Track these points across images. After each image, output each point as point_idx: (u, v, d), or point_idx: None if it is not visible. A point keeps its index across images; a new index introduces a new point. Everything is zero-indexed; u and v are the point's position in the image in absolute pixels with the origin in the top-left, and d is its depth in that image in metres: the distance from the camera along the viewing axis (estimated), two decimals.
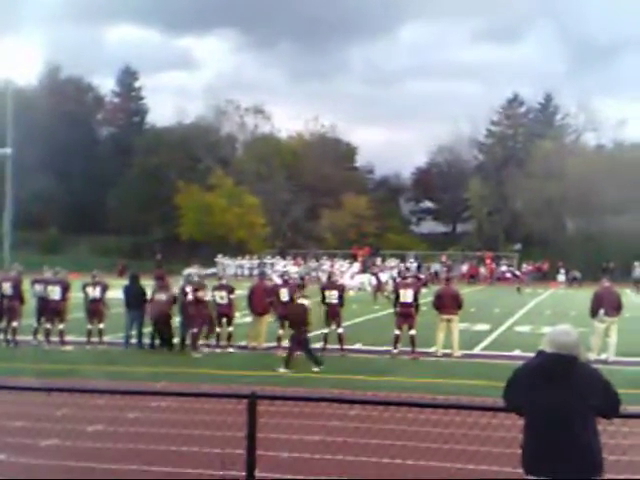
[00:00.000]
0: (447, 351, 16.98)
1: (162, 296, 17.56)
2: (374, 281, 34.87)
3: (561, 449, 4.71)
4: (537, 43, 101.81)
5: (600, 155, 64.17)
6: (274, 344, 17.52)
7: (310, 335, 16.49)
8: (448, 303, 17.34)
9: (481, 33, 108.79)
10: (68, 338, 18.01)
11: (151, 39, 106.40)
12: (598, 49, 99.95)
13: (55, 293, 17.95)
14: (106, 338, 18.38)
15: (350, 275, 42.48)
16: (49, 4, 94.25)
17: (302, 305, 15.28)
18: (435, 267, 53.05)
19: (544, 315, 27.10)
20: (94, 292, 18.33)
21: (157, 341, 17.86)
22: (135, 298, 18.23)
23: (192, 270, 21.20)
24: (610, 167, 56.89)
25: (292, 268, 44.41)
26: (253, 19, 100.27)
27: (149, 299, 18.06)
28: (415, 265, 50.43)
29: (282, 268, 41.86)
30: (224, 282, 18.76)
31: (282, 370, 14.63)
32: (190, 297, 17.42)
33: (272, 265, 52.83)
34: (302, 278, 18.96)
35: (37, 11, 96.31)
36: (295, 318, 15.23)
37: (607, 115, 67.28)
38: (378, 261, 47.59)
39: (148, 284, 19.48)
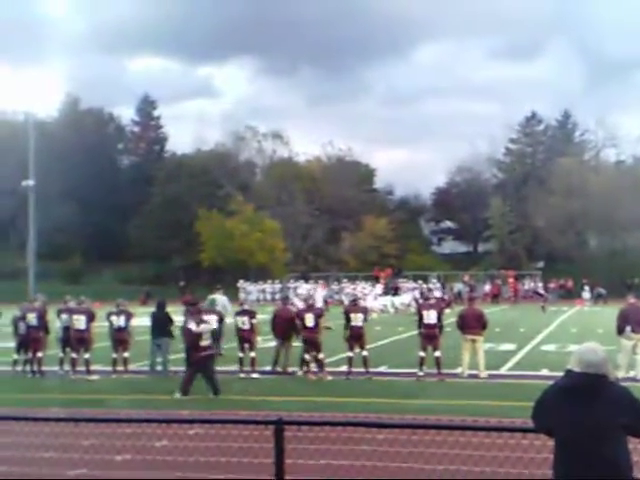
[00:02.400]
0: (473, 372, 16.84)
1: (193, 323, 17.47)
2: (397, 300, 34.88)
3: (592, 469, 4.64)
4: (554, 60, 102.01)
5: (620, 171, 63.87)
6: (298, 369, 17.48)
7: (335, 358, 16.51)
8: (472, 323, 17.22)
9: (498, 51, 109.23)
10: (94, 367, 18.05)
11: (172, 69, 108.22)
12: (615, 65, 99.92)
13: (80, 322, 18.01)
14: (131, 366, 18.44)
15: (373, 297, 42.36)
16: (70, 36, 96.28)
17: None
18: (458, 287, 52.76)
19: (570, 333, 26.84)
20: (119, 321, 18.40)
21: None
22: (161, 325, 18.26)
23: (216, 296, 21.16)
24: (631, 183, 56.56)
25: (320, 292, 44.24)
26: (271, 46, 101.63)
27: (183, 326, 18.08)
28: (438, 286, 50.22)
29: (305, 292, 41.81)
30: (246, 307, 18.77)
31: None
32: (247, 326, 17.60)
33: (295, 289, 52.86)
34: (326, 302, 18.93)
35: (58, 43, 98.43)
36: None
37: (626, 131, 67.14)
38: (400, 282, 47.52)
39: (172, 311, 19.51)
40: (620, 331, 16.38)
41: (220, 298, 21.72)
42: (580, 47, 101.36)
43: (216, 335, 17.92)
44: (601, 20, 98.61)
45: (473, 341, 17.08)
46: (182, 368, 17.78)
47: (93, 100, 77.24)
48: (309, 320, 17.36)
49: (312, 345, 17.20)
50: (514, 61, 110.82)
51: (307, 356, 17.32)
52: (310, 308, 18.13)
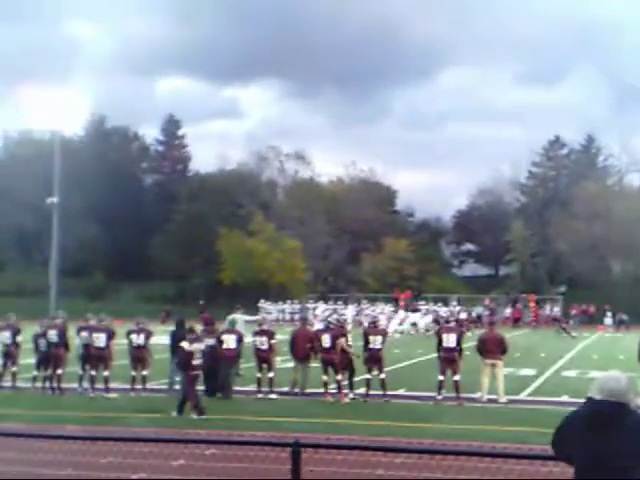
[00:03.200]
0: (492, 397, 16.71)
1: (210, 341, 17.47)
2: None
3: None
4: (578, 85, 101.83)
5: None
6: (317, 390, 17.43)
7: (354, 380, 16.45)
8: (492, 348, 17.11)
9: (522, 76, 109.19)
10: (113, 385, 18.11)
11: (197, 89, 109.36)
12: (638, 90, 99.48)
13: (100, 340, 18.08)
14: (150, 385, 18.47)
15: (399, 321, 42.09)
16: (98, 56, 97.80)
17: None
18: (478, 310, 52.45)
19: (591, 359, 26.57)
20: (138, 339, 18.47)
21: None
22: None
23: (236, 315, 21.16)
24: None
25: (346, 312, 44.05)
26: (295, 68, 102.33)
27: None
28: (457, 309, 49.93)
29: (321, 313, 41.77)
30: (265, 327, 18.77)
31: (194, 416, 14.55)
32: (265, 346, 17.66)
33: (314, 310, 52.82)
34: (342, 324, 18.81)
35: (86, 63, 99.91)
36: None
37: None
38: (420, 304, 47.37)
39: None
40: None
41: (240, 318, 21.73)
42: (604, 72, 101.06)
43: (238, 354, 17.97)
44: (625, 45, 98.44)
45: (493, 365, 16.97)
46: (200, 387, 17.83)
47: (119, 119, 78.25)
48: (326, 341, 17.33)
49: (330, 366, 17.16)
50: (538, 86, 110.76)
51: (325, 377, 17.27)
52: (327, 329, 18.08)
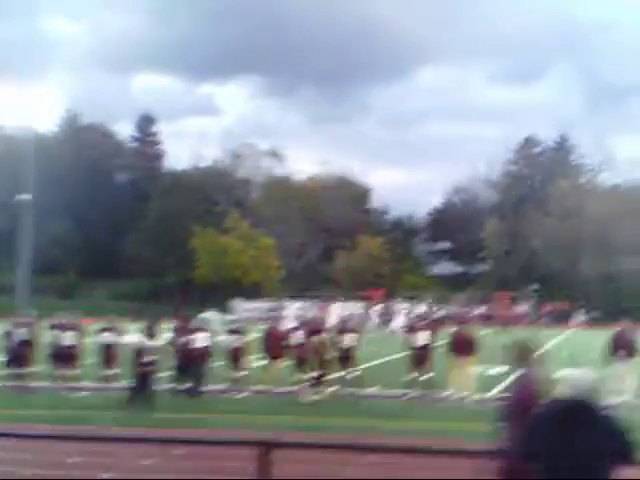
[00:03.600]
0: (463, 395, 16.78)
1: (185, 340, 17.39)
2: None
3: None
4: (554, 84, 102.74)
5: (616, 194, 64.03)
6: (289, 388, 17.42)
7: (327, 378, 16.48)
8: (464, 346, 17.19)
9: (499, 75, 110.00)
10: (83, 384, 17.96)
11: (174, 87, 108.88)
12: (613, 90, 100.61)
13: (69, 338, 17.94)
14: (121, 383, 18.32)
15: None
16: (73, 53, 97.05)
17: None
18: (451, 308, 52.59)
19: (562, 357, 26.75)
20: (109, 337, 18.33)
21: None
22: None
23: (207, 315, 21.10)
24: (627, 206, 56.73)
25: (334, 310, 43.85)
26: (272, 66, 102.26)
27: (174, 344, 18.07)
28: (430, 307, 49.97)
29: (295, 311, 41.68)
30: (237, 326, 18.74)
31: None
32: (237, 344, 17.73)
33: (287, 308, 52.84)
34: (317, 322, 18.78)
35: (61, 60, 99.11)
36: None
37: (622, 155, 67.50)
38: (393, 302, 47.46)
39: (166, 328, 19.44)
40: (612, 355, 16.35)
41: (212, 316, 21.67)
42: (580, 71, 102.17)
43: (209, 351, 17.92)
44: (601, 45, 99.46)
45: (464, 363, 17.04)
46: (170, 386, 17.77)
47: (93, 116, 77.64)
48: (298, 338, 17.29)
49: (302, 364, 17.15)
50: (515, 84, 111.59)
51: (299, 375, 17.23)
52: (301, 326, 18.02)
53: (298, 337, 17.36)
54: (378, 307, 49.49)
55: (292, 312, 37.27)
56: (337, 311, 43.76)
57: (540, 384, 6.19)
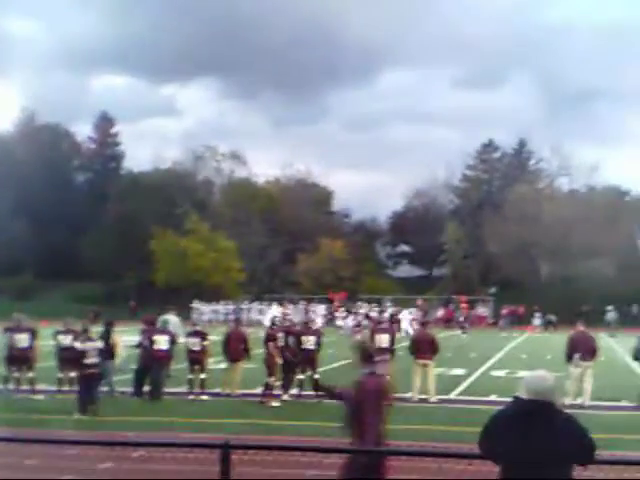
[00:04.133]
0: (423, 396, 16.87)
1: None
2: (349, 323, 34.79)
3: None
4: (513, 90, 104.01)
5: (574, 199, 65.00)
6: (249, 391, 17.35)
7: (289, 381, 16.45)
8: (424, 348, 17.29)
9: (460, 80, 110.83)
10: (39, 387, 17.67)
11: (135, 87, 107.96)
12: (572, 96, 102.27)
13: (23, 341, 17.62)
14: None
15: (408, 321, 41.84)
16: (33, 52, 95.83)
17: None
18: (412, 311, 52.85)
19: (520, 359, 27.08)
20: (66, 340, 18.04)
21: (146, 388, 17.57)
22: (107, 346, 17.93)
23: (168, 316, 20.85)
24: (583, 211, 57.63)
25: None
26: (235, 68, 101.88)
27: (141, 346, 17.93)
28: (391, 310, 50.21)
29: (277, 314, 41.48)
30: (198, 328, 18.64)
31: (76, 416, 14.59)
32: (198, 347, 17.49)
33: (249, 310, 52.79)
34: (273, 324, 18.66)
35: (19, 59, 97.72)
36: None
37: (580, 160, 68.45)
38: (356, 306, 47.56)
39: (123, 330, 19.23)
40: (569, 358, 16.57)
41: (172, 319, 21.46)
42: (539, 77, 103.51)
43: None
44: (561, 51, 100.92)
45: (424, 365, 17.14)
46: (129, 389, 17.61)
47: (53, 116, 76.68)
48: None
49: (309, 364, 17.14)
50: (475, 89, 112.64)
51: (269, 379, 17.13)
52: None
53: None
54: (339, 309, 49.58)
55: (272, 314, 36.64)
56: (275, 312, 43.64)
57: (383, 382, 6.84)
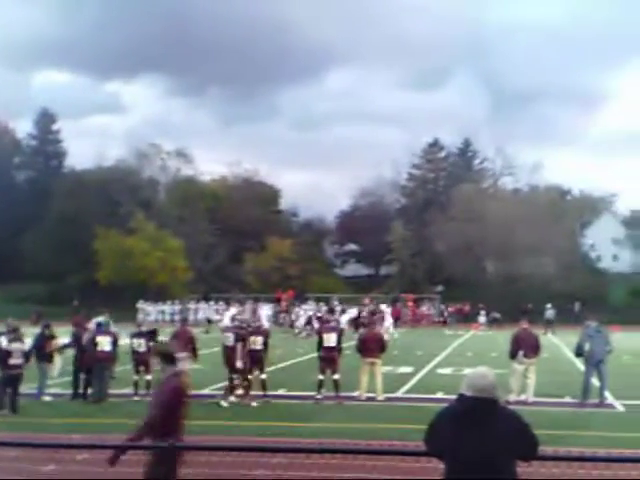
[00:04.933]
0: (371, 395, 16.94)
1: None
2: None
3: None
4: (458, 90, 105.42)
5: (517, 198, 66.11)
6: (197, 392, 17.17)
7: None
8: (371, 346, 17.35)
9: (405, 80, 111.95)
10: None
11: (78, 84, 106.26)
12: (515, 96, 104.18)
13: None
14: (21, 389, 17.69)
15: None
16: None
17: None
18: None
19: (466, 357, 27.39)
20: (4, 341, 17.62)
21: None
22: (39, 348, 17.62)
23: (102, 318, 20.39)
24: (527, 210, 58.61)
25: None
26: (181, 65, 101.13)
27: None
28: (340, 308, 50.21)
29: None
30: (143, 329, 18.39)
31: None
32: (143, 348, 17.24)
33: (195, 310, 52.38)
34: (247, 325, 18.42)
35: None
36: None
37: (523, 160, 69.66)
38: (301, 304, 47.59)
39: (65, 331, 18.90)
40: (513, 355, 16.80)
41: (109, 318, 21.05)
42: (483, 78, 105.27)
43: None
44: (504, 51, 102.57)
45: (372, 364, 17.20)
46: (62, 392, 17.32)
47: None
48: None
49: (256, 364, 16.96)
50: (420, 90, 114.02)
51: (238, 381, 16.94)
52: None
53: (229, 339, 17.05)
54: (286, 309, 49.51)
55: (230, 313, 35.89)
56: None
57: (185, 380, 7.02)
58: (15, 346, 15.37)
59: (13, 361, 15.27)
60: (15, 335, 15.72)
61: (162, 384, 7.08)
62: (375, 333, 18.18)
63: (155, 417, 6.78)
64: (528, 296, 50.76)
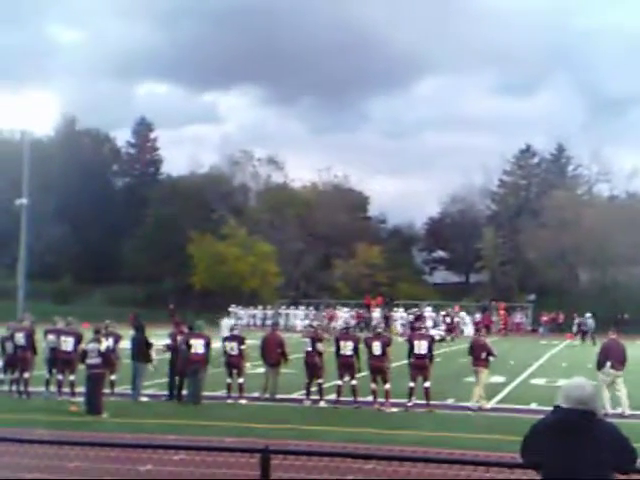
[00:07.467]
0: (463, 404, 16.75)
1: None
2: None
3: None
4: (551, 95, 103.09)
5: (613, 205, 64.15)
6: (287, 395, 17.40)
7: (325, 386, 16.50)
8: (478, 354, 17.17)
9: (496, 86, 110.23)
10: (79, 390, 17.89)
11: (176, 94, 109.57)
12: (611, 101, 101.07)
13: (68, 344, 17.85)
14: (118, 389, 18.29)
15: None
16: (76, 59, 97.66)
17: None
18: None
19: (560, 367, 26.77)
20: (106, 343, 18.25)
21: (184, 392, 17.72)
22: (139, 349, 18.16)
23: (225, 320, 20.88)
24: (623, 218, 56.79)
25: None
26: (275, 75, 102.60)
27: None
28: (432, 315, 49.58)
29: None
30: (235, 332, 18.70)
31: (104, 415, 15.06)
32: (235, 352, 17.64)
33: (286, 315, 52.91)
34: (312, 326, 18.68)
35: (62, 65, 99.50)
36: None
37: (620, 166, 67.48)
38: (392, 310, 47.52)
39: (162, 334, 19.42)
40: (600, 366, 16.30)
41: (226, 322, 21.60)
42: (577, 83, 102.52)
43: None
44: (599, 56, 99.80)
45: (476, 372, 17.02)
46: (158, 393, 17.77)
47: (93, 122, 77.77)
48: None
49: (347, 370, 17.13)
50: (512, 95, 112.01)
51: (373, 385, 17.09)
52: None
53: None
54: (377, 314, 49.46)
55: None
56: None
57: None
58: (91, 346, 15.99)
59: (89, 361, 15.84)
60: (95, 336, 16.38)
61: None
62: (481, 340, 18.00)
63: None
64: (624, 306, 49.22)
